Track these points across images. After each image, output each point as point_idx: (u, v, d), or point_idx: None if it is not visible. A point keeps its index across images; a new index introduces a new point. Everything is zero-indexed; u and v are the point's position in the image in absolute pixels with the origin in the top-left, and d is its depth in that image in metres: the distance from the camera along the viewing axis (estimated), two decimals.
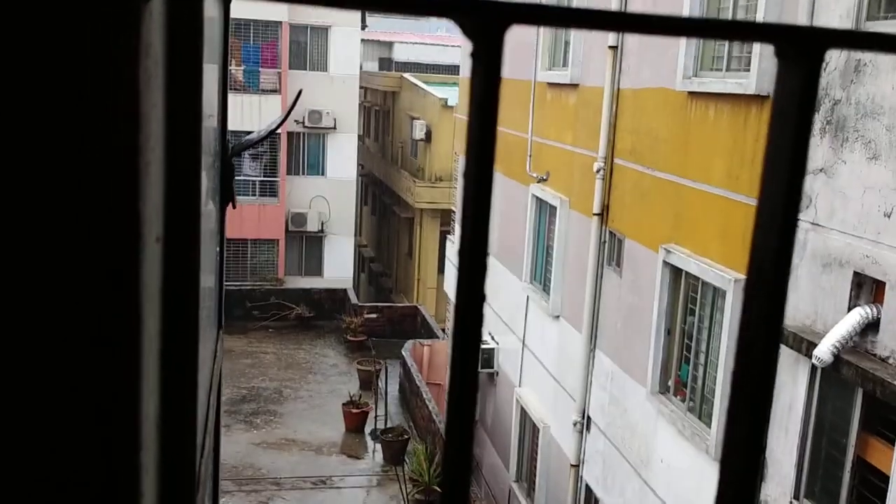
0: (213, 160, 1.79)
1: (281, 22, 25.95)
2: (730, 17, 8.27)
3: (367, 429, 18.18)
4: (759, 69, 7.50)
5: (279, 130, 25.86)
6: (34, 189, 0.52)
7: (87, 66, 0.51)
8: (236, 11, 26.69)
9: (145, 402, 0.63)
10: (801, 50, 0.45)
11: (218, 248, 2.04)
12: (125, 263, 0.55)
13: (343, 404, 18.35)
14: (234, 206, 2.08)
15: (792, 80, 0.45)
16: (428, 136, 26.54)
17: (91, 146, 0.52)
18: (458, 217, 18.10)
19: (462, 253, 0.41)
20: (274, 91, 26.05)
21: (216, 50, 1.84)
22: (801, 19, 6.96)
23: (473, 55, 0.38)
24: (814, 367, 6.69)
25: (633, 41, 10.17)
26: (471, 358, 0.42)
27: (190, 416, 1.01)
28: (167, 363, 0.83)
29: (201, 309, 1.27)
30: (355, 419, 18.11)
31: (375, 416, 18.05)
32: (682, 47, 8.77)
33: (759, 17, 7.51)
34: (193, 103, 0.87)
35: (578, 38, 11.60)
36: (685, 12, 8.71)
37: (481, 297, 0.41)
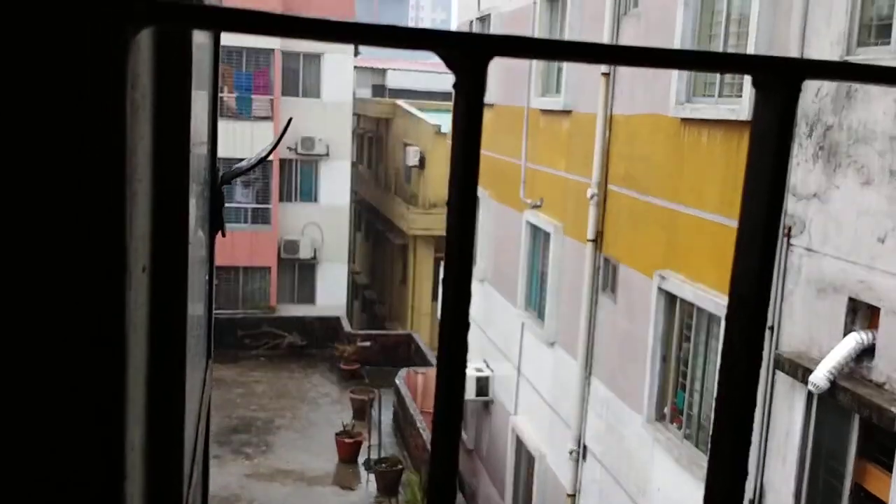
0: (203, 188, 1.77)
1: (273, 49, 26.09)
2: (721, 43, 8.33)
3: (361, 459, 18.02)
4: (751, 95, 7.52)
5: (271, 157, 25.89)
6: (19, 218, 0.53)
7: (73, 99, 0.52)
8: (228, 39, 26.92)
9: (130, 431, 0.63)
10: (779, 80, 0.45)
11: (207, 277, 2.02)
12: (110, 293, 0.56)
13: (336, 434, 18.20)
14: (223, 235, 2.04)
15: (770, 110, 0.46)
16: (422, 163, 26.62)
17: (76, 177, 0.53)
18: None
19: (446, 281, 0.39)
20: (266, 118, 26.12)
21: (206, 77, 1.83)
22: (793, 45, 6.99)
23: (456, 86, 0.37)
24: (810, 394, 6.65)
25: (625, 68, 10.22)
26: (456, 384, 0.39)
27: (177, 447, 1.00)
28: (154, 393, 0.83)
29: (189, 338, 1.25)
30: (348, 449, 17.95)
31: (369, 446, 17.89)
32: (675, 73, 8.82)
33: (751, 43, 7.55)
34: (181, 133, 0.87)
35: (571, 65, 11.66)
36: (677, 37, 8.76)
37: (465, 325, 0.39)
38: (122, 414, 0.59)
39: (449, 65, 0.38)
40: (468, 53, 0.38)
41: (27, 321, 0.54)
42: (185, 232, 0.94)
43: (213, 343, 2.20)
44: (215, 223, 1.98)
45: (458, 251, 0.38)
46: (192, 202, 1.55)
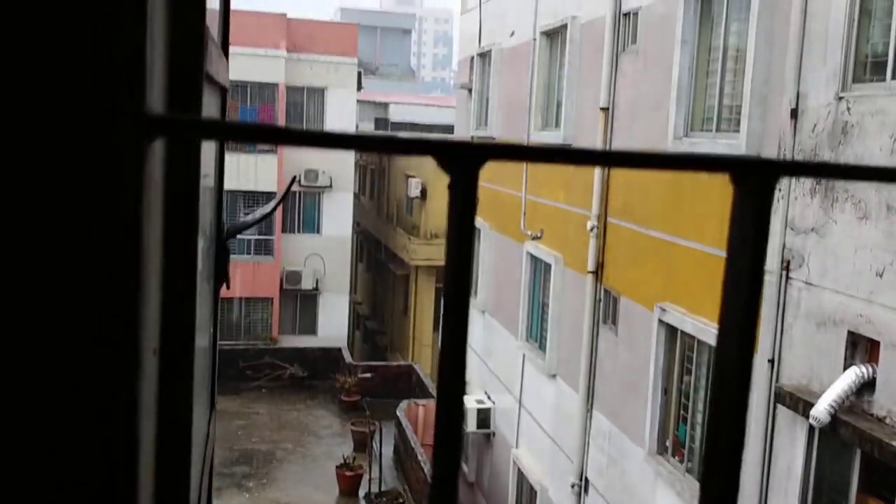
0: (209, 244, 1.81)
1: (278, 84, 26.32)
2: (718, 79, 8.42)
3: (362, 492, 17.89)
4: (748, 130, 7.61)
5: (275, 190, 26.02)
6: (41, 307, 0.56)
7: (90, 204, 0.55)
8: (234, 74, 27.03)
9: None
10: (755, 179, 0.48)
11: (212, 330, 2.05)
12: (122, 380, 0.58)
13: (337, 467, 18.10)
14: (227, 287, 2.08)
15: (747, 206, 0.49)
16: (423, 194, 26.73)
17: (92, 272, 0.56)
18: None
19: (441, 372, 0.43)
20: (270, 151, 26.28)
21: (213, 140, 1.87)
22: (788, 82, 7.08)
23: (450, 188, 0.41)
24: (811, 428, 6.64)
25: (624, 102, 10.33)
26: (455, 415, 0.43)
27: None
28: (161, 462, 0.85)
29: (196, 403, 1.28)
30: (349, 482, 17.84)
31: (370, 479, 17.78)
32: (673, 108, 8.91)
33: (747, 80, 7.65)
34: (190, 220, 0.91)
35: (570, 99, 11.78)
36: (674, 73, 8.87)
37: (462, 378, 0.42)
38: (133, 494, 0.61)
39: (445, 168, 0.42)
40: (461, 160, 0.42)
41: (41, 410, 0.57)
42: (193, 313, 0.99)
43: (215, 391, 2.23)
44: (220, 277, 2.02)
45: (452, 342, 0.42)
46: (201, 260, 1.61)
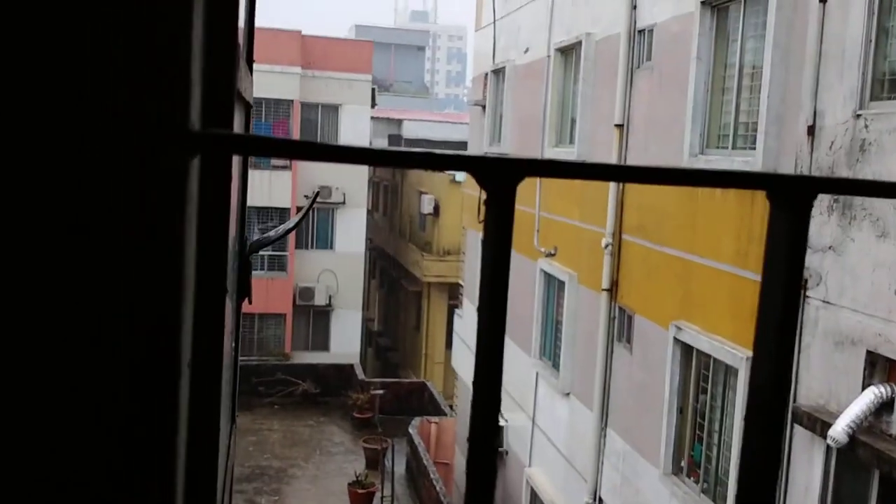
0: (233, 259, 1.82)
1: (292, 101, 26.47)
2: (734, 96, 8.39)
3: None
4: (764, 147, 7.57)
5: (288, 205, 26.12)
6: (88, 325, 0.57)
7: (137, 216, 0.56)
8: None
9: None
10: (791, 196, 0.48)
11: (234, 344, 2.05)
12: (166, 390, 0.60)
13: (349, 484, 18.03)
14: (250, 302, 2.08)
15: (783, 222, 0.48)
16: (436, 211, 26.76)
17: (137, 286, 0.57)
18: (466, 292, 17.91)
19: (476, 392, 0.41)
20: (285, 167, 26.41)
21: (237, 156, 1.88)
22: (805, 99, 7.05)
23: (487, 203, 0.41)
24: (829, 448, 6.56)
25: (639, 118, 10.31)
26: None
27: None
28: (190, 474, 0.86)
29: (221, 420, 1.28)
30: (361, 500, 17.76)
31: (382, 497, 17.70)
32: (688, 125, 8.89)
33: (763, 97, 7.62)
34: (220, 243, 0.92)
35: (585, 116, 11.77)
36: (690, 90, 8.84)
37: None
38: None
39: (482, 185, 0.41)
40: (499, 175, 0.42)
41: (84, 414, 0.57)
42: (222, 322, 0.99)
43: (236, 406, 2.23)
44: (242, 291, 2.02)
45: (488, 355, 0.41)
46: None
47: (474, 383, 0.43)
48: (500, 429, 14.64)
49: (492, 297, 0.40)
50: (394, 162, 0.40)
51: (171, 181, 0.55)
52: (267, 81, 25.62)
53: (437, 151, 0.41)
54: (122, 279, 0.56)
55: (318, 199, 27.07)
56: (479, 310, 0.42)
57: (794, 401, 7.07)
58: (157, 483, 0.59)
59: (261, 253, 26.79)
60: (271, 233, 2.75)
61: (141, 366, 0.57)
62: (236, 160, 1.64)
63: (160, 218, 0.56)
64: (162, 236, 0.56)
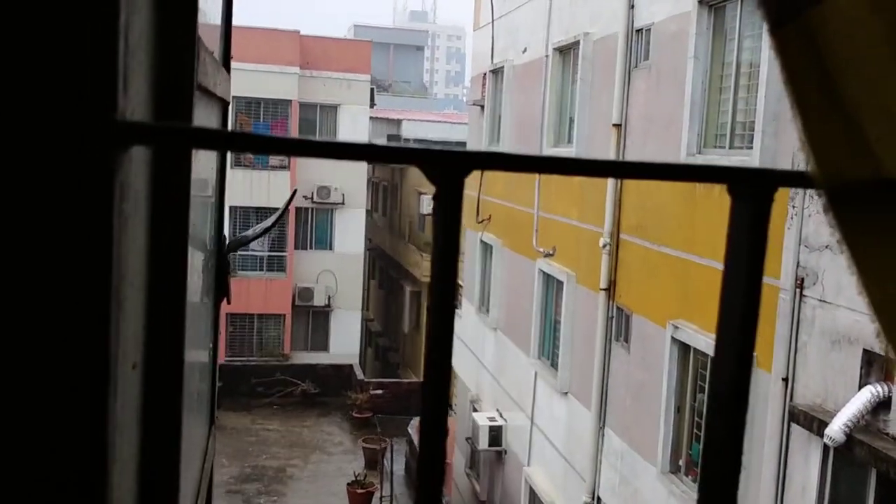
0: (209, 259, 1.81)
1: (291, 100, 26.48)
2: (731, 94, 8.40)
3: None
4: (762, 146, 7.57)
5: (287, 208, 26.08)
6: (5, 319, 0.55)
7: (60, 216, 0.54)
8: (247, 90, 27.18)
9: None
10: (752, 189, 0.47)
11: (212, 345, 2.04)
12: (92, 392, 0.57)
13: (348, 484, 18.04)
14: (228, 302, 2.08)
15: (744, 217, 0.48)
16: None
17: (61, 286, 0.55)
18: (465, 292, 17.92)
19: (424, 391, 0.42)
20: (283, 167, 26.41)
21: (213, 154, 1.88)
22: None
23: (435, 198, 0.41)
24: (826, 447, 6.56)
25: (637, 118, 10.32)
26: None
27: None
28: (145, 484, 0.84)
29: (188, 410, 1.27)
30: (360, 500, 17.77)
31: (381, 497, 17.71)
32: (686, 124, 8.89)
33: (761, 96, 7.63)
34: (178, 240, 0.90)
35: (583, 116, 11.78)
36: (687, 89, 8.85)
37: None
38: None
39: (430, 178, 0.42)
40: (447, 169, 0.41)
41: (10, 421, 0.55)
42: (182, 327, 0.98)
43: (215, 407, 2.23)
44: (220, 291, 2.01)
45: (437, 355, 0.41)
46: (199, 273, 1.60)
47: (423, 385, 0.43)
48: (496, 427, 14.64)
49: (441, 290, 0.40)
50: (336, 154, 0.40)
51: (94, 172, 0.54)
52: (265, 81, 25.63)
53: (381, 143, 0.41)
54: (41, 274, 0.55)
55: (317, 199, 27.08)
56: (430, 299, 0.42)
57: (791, 399, 7.08)
58: (85, 489, 0.58)
59: (259, 253, 26.81)
60: (249, 232, 2.75)
61: (66, 367, 0.56)
62: (206, 155, 1.64)
63: (84, 209, 0.55)
64: (86, 230, 0.55)
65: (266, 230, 2.77)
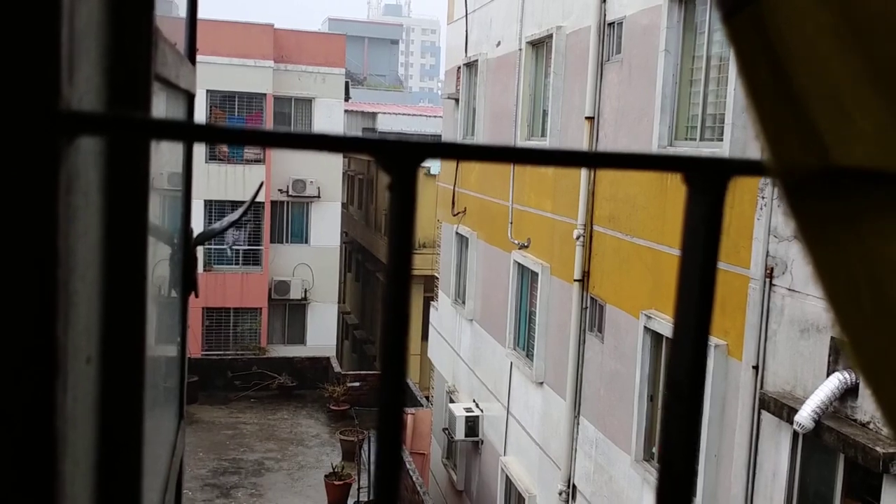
0: (175, 250, 1.81)
1: (265, 94, 26.33)
2: (702, 87, 8.49)
3: (350, 501, 17.84)
4: (731, 138, 7.68)
5: (262, 199, 25.99)
6: None
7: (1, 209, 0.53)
8: (222, 84, 26.91)
9: None
10: (707, 178, 0.48)
11: (180, 339, 2.05)
12: (40, 395, 0.56)
13: (325, 476, 18.04)
14: (196, 296, 2.09)
15: (700, 207, 0.48)
16: None
17: (3, 280, 0.54)
18: (441, 285, 17.89)
19: (382, 378, 0.44)
20: (258, 161, 26.26)
21: (179, 146, 1.88)
22: None
23: (389, 188, 0.42)
24: (795, 434, 6.69)
25: (609, 111, 10.40)
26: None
27: None
28: (104, 478, 0.84)
29: (154, 404, 1.26)
30: (338, 491, 17.79)
31: (359, 488, 17.73)
32: (657, 116, 8.98)
33: (730, 90, 7.72)
34: (136, 233, 0.89)
35: (556, 109, 11.85)
36: (658, 82, 8.94)
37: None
38: None
39: (384, 168, 0.43)
40: (399, 158, 0.43)
41: None
42: (142, 318, 0.96)
43: (184, 403, 2.22)
44: (188, 285, 2.02)
45: (393, 340, 0.43)
46: (164, 267, 1.59)
47: (381, 370, 0.46)
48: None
49: (396, 284, 0.43)
50: (289, 143, 0.42)
51: (36, 164, 0.52)
52: (239, 75, 25.45)
53: (334, 133, 0.43)
54: None
55: (293, 193, 26.97)
56: (384, 292, 0.45)
57: (762, 387, 7.20)
58: (38, 483, 0.56)
59: (235, 247, 26.67)
60: (216, 225, 2.76)
61: (10, 360, 0.54)
62: (171, 147, 1.64)
63: (25, 203, 0.53)
64: (28, 223, 0.53)
65: (233, 223, 2.78)
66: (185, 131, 0.41)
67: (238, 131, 0.42)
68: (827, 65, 0.42)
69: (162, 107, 1.39)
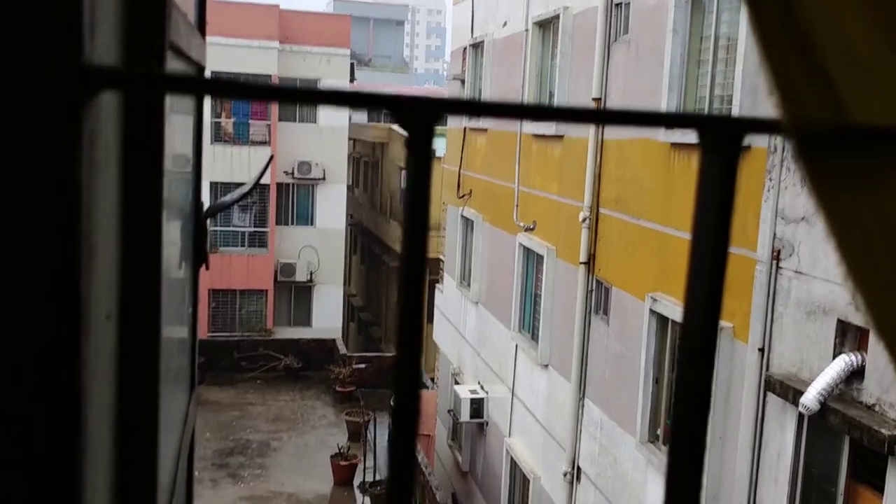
0: (186, 222, 1.82)
1: (270, 76, 26.25)
2: (710, 67, 8.43)
3: (356, 481, 17.95)
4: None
5: (268, 182, 25.99)
6: None
7: (26, 161, 0.54)
8: (227, 65, 26.84)
9: (92, 475, 0.64)
10: (721, 138, 0.47)
11: (191, 309, 2.05)
12: (64, 342, 0.57)
13: (331, 456, 18.15)
14: (206, 268, 2.10)
15: (713, 166, 0.47)
16: None
17: (27, 233, 0.55)
18: (446, 267, 17.93)
19: (399, 333, 0.44)
20: (263, 143, 26.24)
21: (189, 108, 1.88)
22: None
23: (408, 144, 0.42)
24: (801, 416, 6.69)
25: (616, 91, 10.34)
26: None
27: (149, 486, 1.00)
28: (123, 435, 0.85)
29: (167, 372, 1.28)
30: (344, 472, 17.90)
31: (364, 469, 17.84)
32: (664, 97, 8.93)
33: (738, 69, 7.67)
34: (153, 183, 0.90)
35: (563, 90, 11.79)
36: (666, 63, 8.88)
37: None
38: (77, 460, 0.59)
39: (402, 124, 0.43)
40: (417, 114, 0.42)
41: None
42: (158, 278, 0.97)
43: (196, 373, 2.24)
44: (199, 256, 2.03)
45: (408, 297, 0.43)
46: (176, 237, 1.60)
47: (395, 374, 0.45)
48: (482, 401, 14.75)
49: (412, 242, 0.43)
50: (305, 99, 0.41)
51: (61, 117, 0.53)
52: (244, 57, 25.38)
53: (348, 90, 0.42)
54: (8, 221, 0.54)
55: (298, 175, 26.95)
56: (400, 256, 0.45)
57: (767, 369, 7.20)
58: (62, 434, 0.58)
59: (241, 229, 26.70)
60: (227, 197, 2.76)
61: (37, 312, 0.55)
62: (182, 120, 1.64)
63: (50, 155, 0.54)
64: (54, 174, 0.54)
65: (244, 195, 2.78)
66: (199, 86, 0.42)
67: (251, 86, 0.42)
68: (842, 20, 0.41)
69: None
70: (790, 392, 6.71)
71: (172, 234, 1.47)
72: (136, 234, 0.86)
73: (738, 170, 0.49)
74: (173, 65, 1.29)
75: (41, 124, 0.53)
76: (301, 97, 0.42)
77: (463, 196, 16.08)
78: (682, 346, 0.51)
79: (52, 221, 0.55)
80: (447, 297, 17.68)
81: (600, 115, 0.50)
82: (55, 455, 0.58)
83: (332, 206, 27.84)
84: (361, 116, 37.15)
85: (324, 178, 27.34)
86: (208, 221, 2.19)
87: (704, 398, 0.50)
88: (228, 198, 2.71)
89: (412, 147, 0.43)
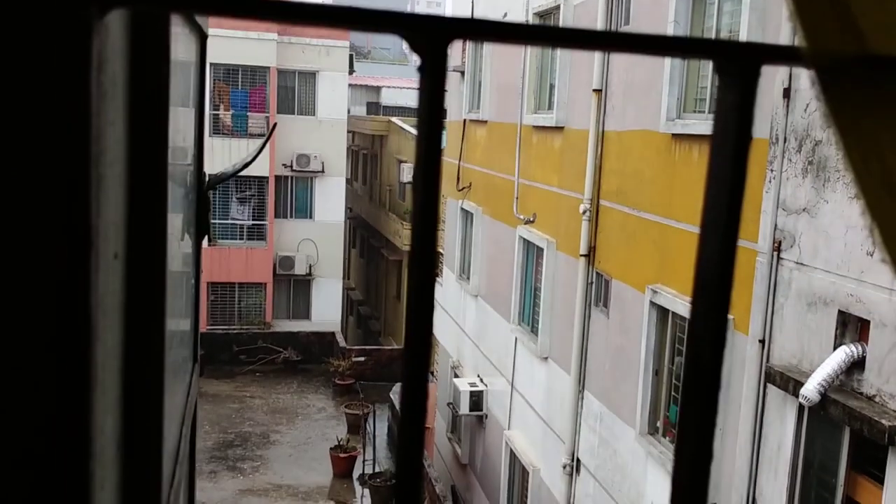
0: (189, 192, 1.81)
1: (269, 67, 26.20)
2: (714, 26, 8.39)
3: (356, 474, 17.97)
4: None
5: (266, 174, 25.95)
6: None
7: (34, 80, 0.53)
8: (225, 57, 26.81)
9: (100, 415, 0.63)
10: (739, 65, 0.46)
11: (194, 281, 2.05)
12: (75, 275, 0.56)
13: (331, 449, 18.16)
14: (210, 242, 2.09)
15: (731, 94, 0.46)
16: None
17: (36, 159, 0.54)
18: (445, 260, 17.94)
19: (411, 266, 0.42)
20: (262, 135, 26.18)
21: (192, 86, 1.87)
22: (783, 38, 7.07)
23: (420, 69, 0.40)
24: (801, 407, 6.68)
25: (617, 83, 10.32)
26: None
27: (155, 440, 1.00)
28: (130, 384, 0.84)
29: (172, 337, 1.27)
30: (343, 464, 17.91)
31: (364, 461, 17.85)
32: (665, 89, 8.91)
33: (744, 26, 7.63)
34: (158, 122, 0.88)
35: (564, 81, 11.76)
36: (666, 62, 8.84)
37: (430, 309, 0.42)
38: (87, 396, 0.59)
39: (413, 47, 0.41)
40: (431, 35, 0.41)
41: None
42: (163, 220, 0.96)
43: (199, 347, 2.24)
44: (202, 228, 2.02)
45: (422, 237, 0.41)
46: (178, 203, 1.59)
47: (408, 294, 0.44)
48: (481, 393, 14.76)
49: (425, 176, 0.41)
50: (311, 19, 0.40)
51: (70, 34, 0.52)
52: (243, 48, 25.31)
53: (360, 7, 0.41)
54: (17, 145, 0.53)
55: (297, 168, 26.91)
56: (413, 189, 0.43)
57: (768, 361, 7.19)
58: (72, 363, 0.57)
59: (239, 222, 26.67)
60: (228, 168, 2.75)
61: (45, 238, 0.55)
62: (192, 71, 1.62)
63: (59, 72, 0.53)
64: (63, 91, 0.53)
65: (245, 165, 2.78)
66: (208, 3, 0.40)
67: (256, 3, 0.41)
68: None
69: (179, 43, 1.37)
70: (790, 383, 6.70)
71: (176, 201, 1.46)
72: (142, 170, 0.84)
73: (755, 99, 0.48)
74: (176, 29, 1.28)
75: (51, 42, 0.52)
76: (309, 16, 0.40)
77: (462, 189, 16.06)
78: (696, 276, 0.50)
79: (62, 142, 0.54)
80: (446, 290, 17.67)
81: (616, 39, 0.48)
82: (67, 380, 0.58)
83: (330, 199, 27.82)
84: (361, 108, 37.07)
85: (322, 171, 27.31)
86: (210, 194, 2.18)
87: (715, 375, 0.49)
88: (230, 168, 2.70)
89: (425, 70, 0.41)
